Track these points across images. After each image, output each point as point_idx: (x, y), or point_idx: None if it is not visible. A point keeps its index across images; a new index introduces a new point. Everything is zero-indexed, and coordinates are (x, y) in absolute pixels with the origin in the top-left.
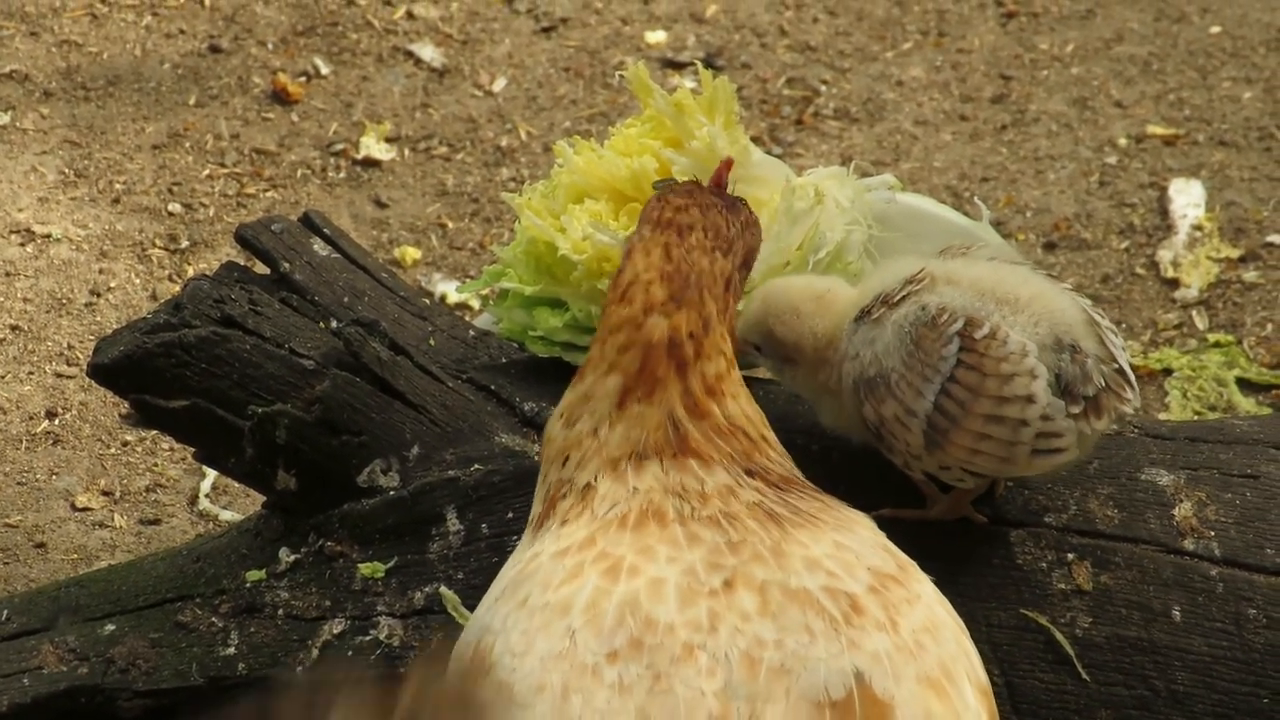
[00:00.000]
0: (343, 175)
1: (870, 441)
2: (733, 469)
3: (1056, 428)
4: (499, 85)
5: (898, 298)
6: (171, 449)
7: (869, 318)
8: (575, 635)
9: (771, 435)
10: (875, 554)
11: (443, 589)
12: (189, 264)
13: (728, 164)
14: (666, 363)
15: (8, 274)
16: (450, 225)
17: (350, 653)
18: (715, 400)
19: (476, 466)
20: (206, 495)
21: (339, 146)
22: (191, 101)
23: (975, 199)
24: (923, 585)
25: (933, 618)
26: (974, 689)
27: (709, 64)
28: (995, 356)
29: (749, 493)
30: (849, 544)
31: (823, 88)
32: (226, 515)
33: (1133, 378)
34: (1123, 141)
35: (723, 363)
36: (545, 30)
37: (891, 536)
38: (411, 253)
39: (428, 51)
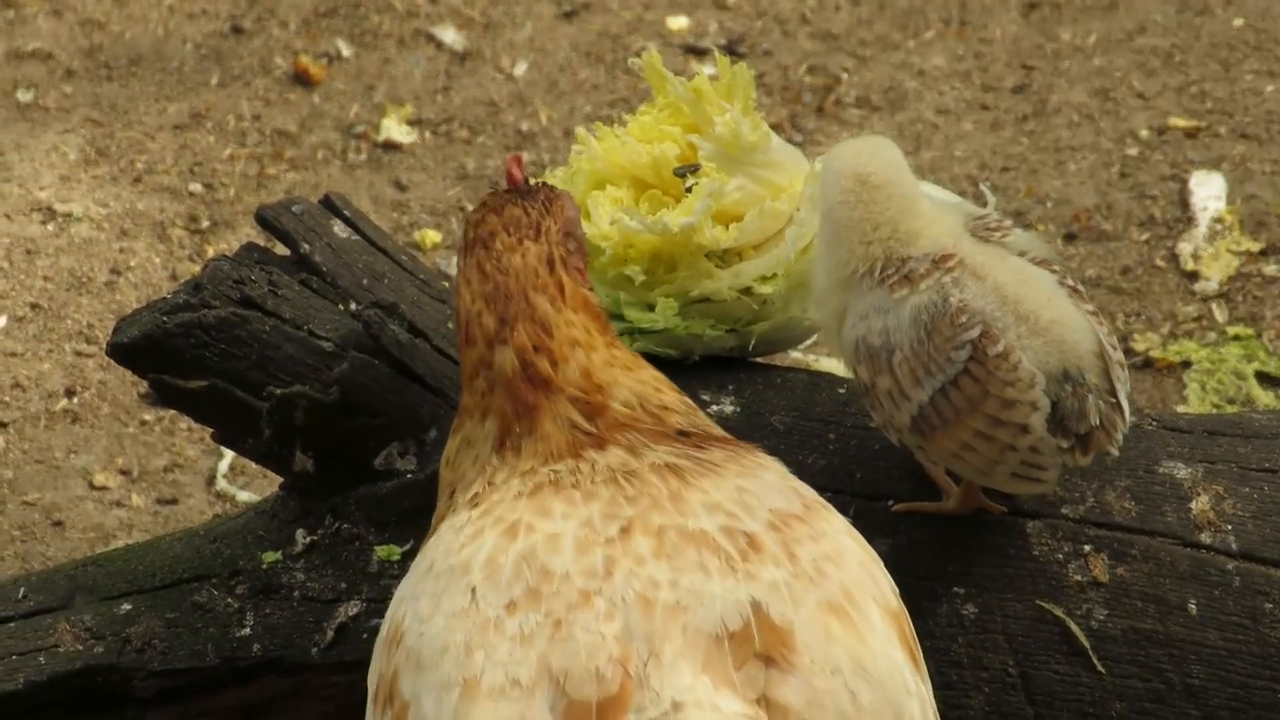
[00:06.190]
0: (363, 157)
1: (849, 377)
2: (638, 442)
3: (1042, 460)
4: (520, 69)
5: (922, 280)
6: (189, 429)
7: (885, 285)
8: (475, 591)
9: (670, 396)
10: (779, 496)
11: None
12: (209, 244)
13: (515, 159)
14: (531, 389)
15: (28, 252)
16: (470, 209)
17: (365, 635)
18: (604, 395)
19: None
20: (224, 476)
21: (360, 129)
22: (213, 82)
23: (981, 185)
24: (830, 522)
25: (836, 547)
26: (881, 611)
27: (730, 51)
28: (1002, 378)
29: (652, 454)
30: (751, 488)
31: (844, 76)
32: (243, 496)
33: (1128, 411)
34: (1144, 133)
35: (580, 354)
36: (567, 15)
37: (906, 527)
38: (431, 236)
39: (449, 35)
